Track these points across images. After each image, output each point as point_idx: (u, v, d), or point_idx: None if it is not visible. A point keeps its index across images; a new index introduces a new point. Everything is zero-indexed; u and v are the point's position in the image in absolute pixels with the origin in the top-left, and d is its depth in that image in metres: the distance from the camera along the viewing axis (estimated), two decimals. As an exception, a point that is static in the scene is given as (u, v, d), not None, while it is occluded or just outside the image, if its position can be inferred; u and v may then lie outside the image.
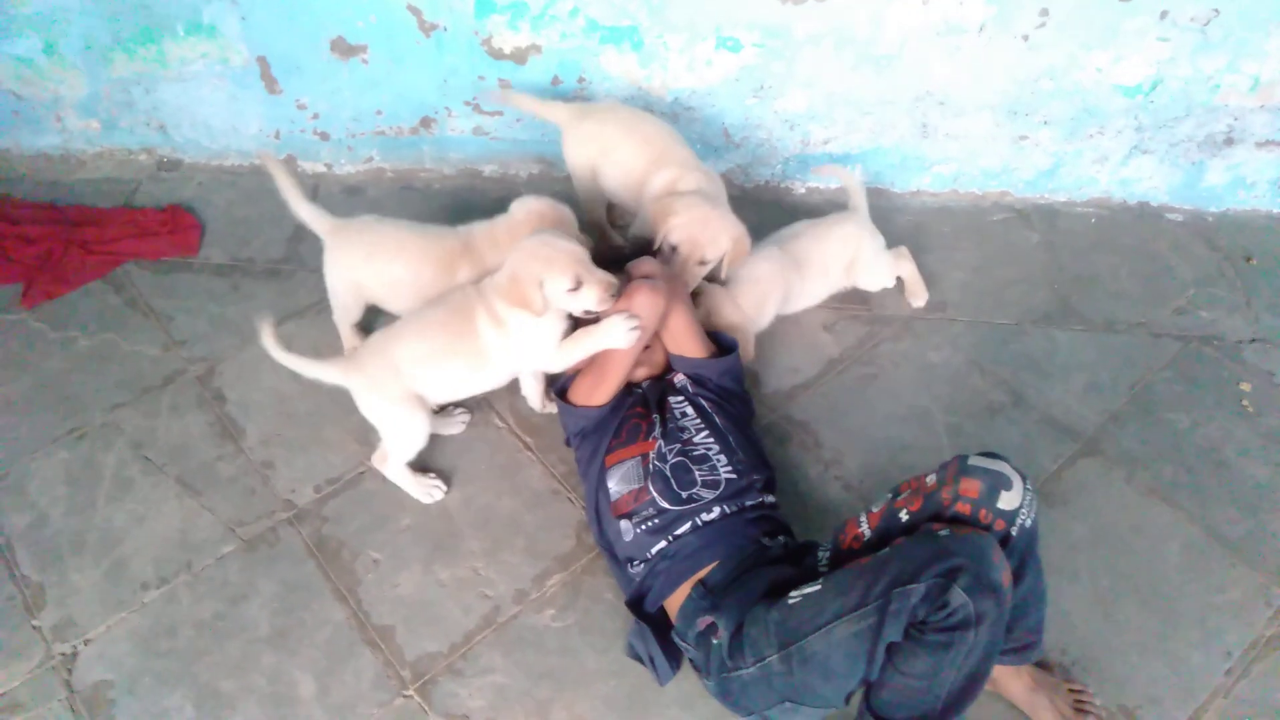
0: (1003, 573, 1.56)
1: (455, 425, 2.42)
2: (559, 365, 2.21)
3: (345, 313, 2.46)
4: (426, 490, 2.29)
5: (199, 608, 2.10)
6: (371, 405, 2.19)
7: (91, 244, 2.77)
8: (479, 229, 2.34)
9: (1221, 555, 2.24)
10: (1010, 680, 1.94)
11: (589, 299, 2.04)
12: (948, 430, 2.46)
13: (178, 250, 2.82)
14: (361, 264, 2.33)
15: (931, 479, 1.75)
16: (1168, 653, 2.08)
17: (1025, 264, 2.92)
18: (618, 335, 2.09)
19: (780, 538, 2.05)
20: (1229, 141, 2.91)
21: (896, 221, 2.93)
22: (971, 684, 1.61)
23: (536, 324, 2.08)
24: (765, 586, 1.87)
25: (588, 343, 2.12)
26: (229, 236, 2.89)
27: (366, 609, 2.11)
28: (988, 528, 1.67)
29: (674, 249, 2.33)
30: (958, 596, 1.52)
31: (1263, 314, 2.78)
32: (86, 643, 2.04)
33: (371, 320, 2.50)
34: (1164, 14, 2.58)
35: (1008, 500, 1.67)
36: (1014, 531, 1.69)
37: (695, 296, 2.43)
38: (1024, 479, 1.71)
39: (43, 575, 2.14)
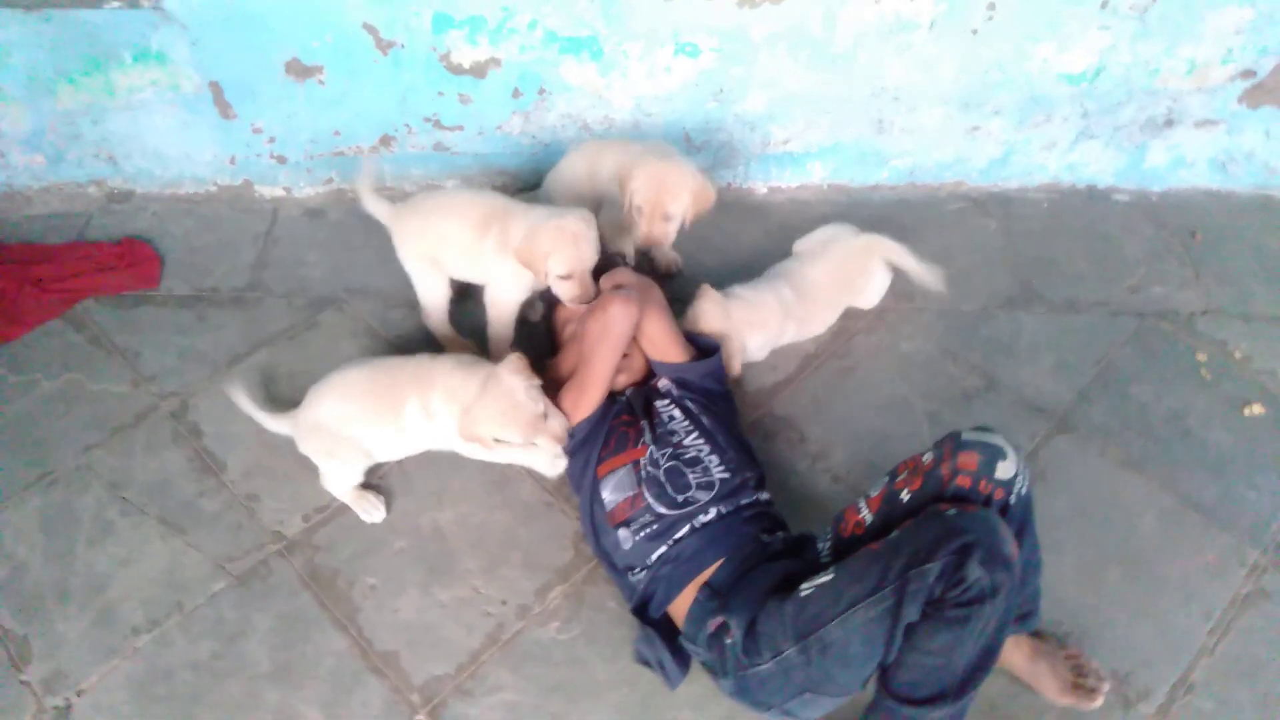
0: (1012, 545, 1.60)
1: (373, 514, 2.27)
2: (480, 457, 2.30)
3: (432, 302, 2.51)
4: (364, 509, 2.26)
5: (195, 649, 2.05)
6: (307, 451, 2.26)
7: (46, 282, 2.68)
8: (519, 205, 2.36)
9: (1195, 520, 2.33)
10: (1010, 652, 1.99)
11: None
12: (927, 417, 2.52)
13: (138, 284, 2.74)
14: (419, 234, 2.42)
15: (928, 457, 1.79)
16: (1153, 617, 2.16)
17: (985, 251, 3.00)
18: (543, 463, 2.28)
19: (778, 533, 2.08)
20: (1169, 123, 3.03)
21: (858, 216, 2.96)
22: (986, 657, 1.65)
23: (461, 429, 2.13)
24: (773, 582, 1.90)
25: (516, 457, 2.29)
26: (190, 266, 2.82)
27: (368, 636, 2.09)
28: (988, 498, 1.72)
29: (639, 210, 2.42)
30: (974, 571, 1.55)
31: (1212, 286, 2.90)
32: (80, 694, 1.98)
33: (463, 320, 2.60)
34: (1104, 3, 2.68)
35: (1004, 470, 1.72)
36: (1012, 500, 1.74)
37: (675, 303, 2.45)
38: (1016, 449, 1.76)
39: (27, 627, 2.07)
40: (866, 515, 1.87)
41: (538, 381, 2.14)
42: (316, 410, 2.20)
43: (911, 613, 1.62)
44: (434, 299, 2.51)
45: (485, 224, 2.34)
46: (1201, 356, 2.70)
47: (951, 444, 1.76)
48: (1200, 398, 2.60)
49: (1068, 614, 2.15)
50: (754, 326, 2.49)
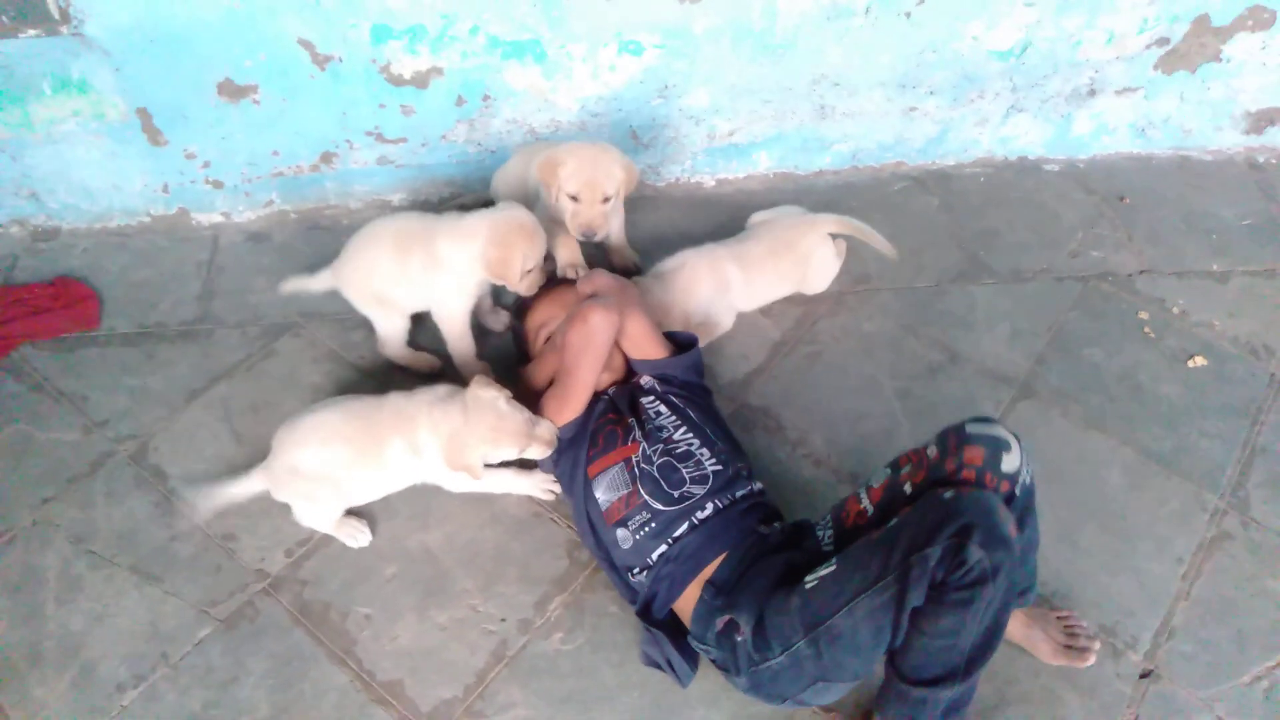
0: (1010, 525, 1.64)
1: (358, 539, 2.23)
2: (467, 489, 2.26)
3: (389, 336, 2.50)
4: (348, 535, 2.22)
5: (187, 700, 1.97)
6: (284, 498, 2.19)
7: (-24, 331, 2.53)
8: (432, 218, 2.36)
9: (1157, 471, 2.44)
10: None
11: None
12: (897, 394, 2.58)
13: (77, 324, 2.61)
14: (354, 278, 2.43)
15: (933, 450, 1.81)
16: (1130, 569, 2.25)
17: (931, 228, 3.08)
18: (533, 487, 2.30)
19: (775, 524, 2.10)
20: (1092, 93, 3.15)
21: (805, 202, 3.01)
22: (990, 636, 1.69)
23: (449, 459, 2.10)
24: (776, 574, 1.91)
25: (503, 485, 2.29)
26: (131, 303, 2.70)
27: (369, 668, 2.03)
28: (994, 491, 1.75)
29: (574, 198, 2.38)
30: (974, 553, 1.58)
31: (1144, 247, 3.03)
32: (68, 761, 1.89)
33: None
34: (1029, -19, 2.77)
35: (1009, 462, 1.76)
36: (1017, 490, 1.78)
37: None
38: (1018, 439, 1.79)
39: (1, 695, 1.96)
40: (868, 505, 1.90)
41: (508, 392, 2.13)
42: (292, 457, 2.11)
43: (916, 597, 1.64)
44: (391, 333, 2.50)
45: (404, 246, 2.34)
46: (1144, 315, 2.82)
47: (956, 438, 1.79)
48: (1147, 354, 2.72)
49: (1051, 573, 2.22)
50: (693, 282, 2.55)
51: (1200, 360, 2.70)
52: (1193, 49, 3.06)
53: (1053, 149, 3.32)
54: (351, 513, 2.23)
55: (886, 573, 1.66)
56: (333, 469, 2.10)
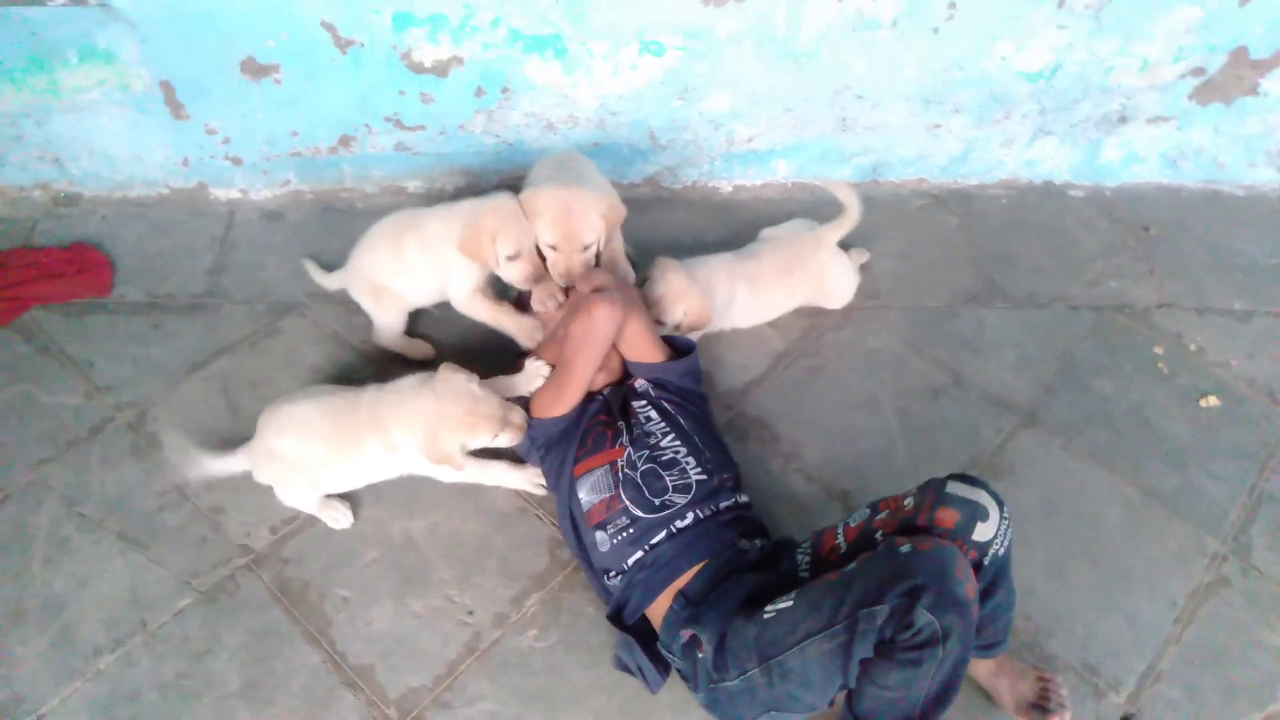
0: (966, 586, 1.58)
1: (340, 520, 2.24)
2: (456, 479, 2.25)
3: (385, 327, 2.53)
4: (331, 516, 2.22)
5: (161, 668, 1.99)
6: (265, 480, 2.20)
7: (-10, 291, 2.58)
8: (423, 209, 2.42)
9: (1157, 511, 2.38)
10: (975, 662, 1.99)
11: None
12: (896, 414, 2.54)
13: (88, 291, 2.65)
14: (359, 275, 2.49)
15: (909, 503, 1.78)
16: (1121, 608, 2.20)
17: (947, 247, 3.03)
18: (523, 480, 2.29)
19: (757, 541, 2.07)
20: (1122, 120, 3.09)
21: (822, 214, 2.96)
22: (946, 690, 1.66)
23: (429, 453, 2.08)
24: (745, 595, 1.88)
25: (492, 477, 2.28)
26: (143, 272, 2.73)
27: (341, 650, 2.05)
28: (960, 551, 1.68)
29: (553, 247, 2.27)
30: (922, 616, 1.54)
31: (1165, 280, 2.97)
32: (40, 719, 1.91)
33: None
34: (1061, 3, 2.71)
35: (983, 531, 1.71)
36: (986, 561, 1.74)
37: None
38: (1001, 506, 1.74)
39: (-19, 651, 1.99)
40: (842, 542, 1.87)
41: (476, 377, 2.13)
42: (270, 443, 2.12)
43: (863, 650, 1.62)
44: (385, 324, 2.54)
45: (397, 236, 2.40)
46: (1158, 349, 2.76)
47: (934, 495, 1.75)
48: (1158, 390, 2.66)
49: (1039, 607, 2.18)
50: (710, 285, 2.51)
51: (1213, 400, 2.63)
52: (1229, 81, 2.98)
53: (1079, 174, 3.26)
54: (337, 495, 2.25)
55: (835, 621, 1.63)
56: (308, 461, 2.11)
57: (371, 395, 2.14)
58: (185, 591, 2.11)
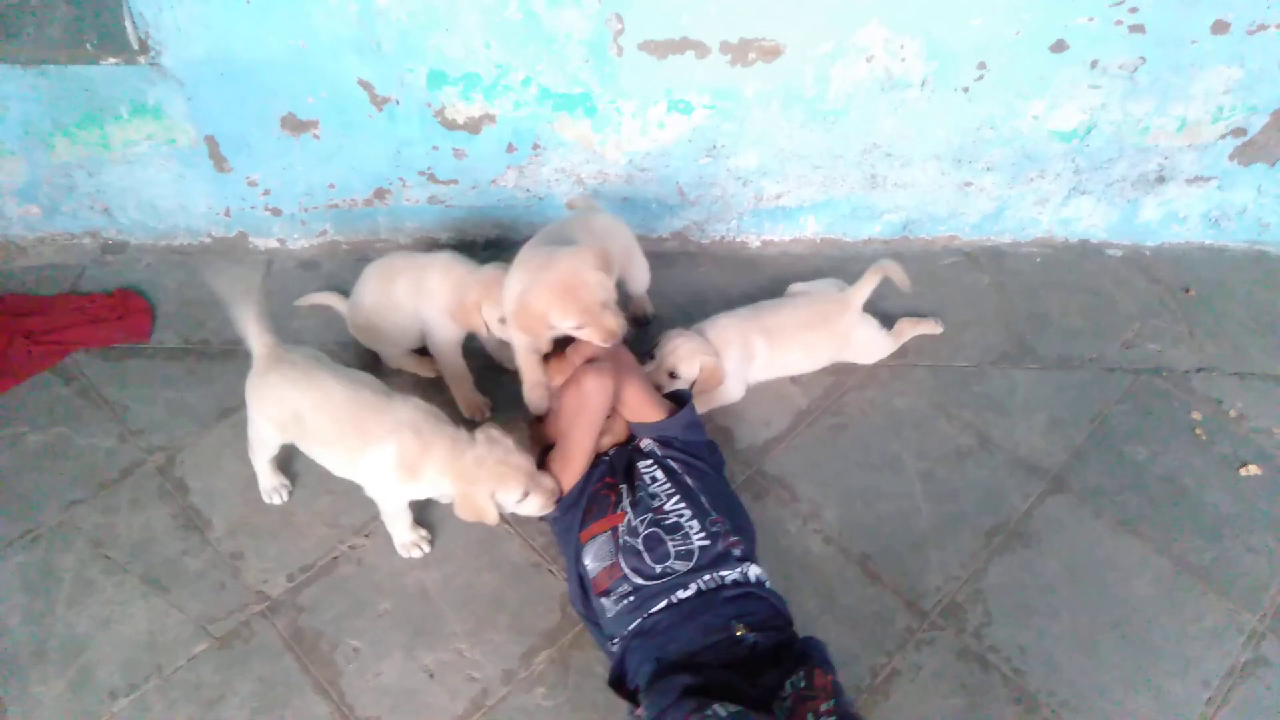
0: None
1: (273, 498, 2.38)
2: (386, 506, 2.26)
3: (387, 357, 2.71)
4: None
5: (173, 714, 2.01)
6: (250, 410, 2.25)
7: (37, 334, 2.68)
8: (422, 255, 2.57)
9: (1192, 584, 2.30)
10: None
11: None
12: (920, 476, 2.50)
13: (129, 336, 2.74)
14: (356, 311, 2.64)
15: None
16: (1150, 686, 2.12)
17: (978, 306, 2.99)
18: (408, 536, 2.28)
19: (752, 637, 1.91)
20: (1160, 179, 3.04)
21: (851, 271, 2.96)
22: None
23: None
24: (701, 685, 1.74)
25: (398, 520, 2.26)
26: (181, 318, 2.82)
27: (350, 702, 2.05)
28: None
29: (581, 328, 2.16)
30: None
31: (1205, 343, 2.89)
32: (53, 761, 1.94)
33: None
34: (1094, 63, 2.69)
35: None
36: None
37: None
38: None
39: (2, 689, 2.03)
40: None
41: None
42: (279, 387, 2.15)
43: None
44: (389, 356, 2.71)
45: (387, 278, 2.53)
46: (1196, 415, 2.68)
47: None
48: (1196, 457, 2.57)
49: (1063, 682, 2.11)
50: (723, 345, 2.53)
51: (1254, 469, 2.54)
52: (1272, 141, 2.92)
53: (1117, 234, 3.21)
54: (285, 472, 2.38)
55: None
56: (301, 422, 2.14)
57: (409, 412, 2.12)
58: (201, 637, 2.14)
